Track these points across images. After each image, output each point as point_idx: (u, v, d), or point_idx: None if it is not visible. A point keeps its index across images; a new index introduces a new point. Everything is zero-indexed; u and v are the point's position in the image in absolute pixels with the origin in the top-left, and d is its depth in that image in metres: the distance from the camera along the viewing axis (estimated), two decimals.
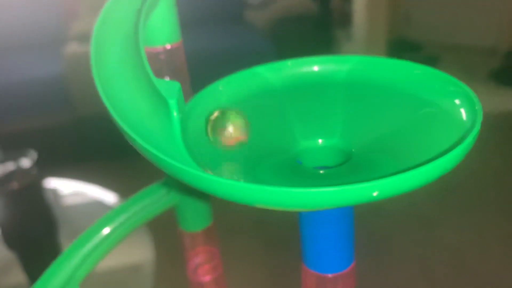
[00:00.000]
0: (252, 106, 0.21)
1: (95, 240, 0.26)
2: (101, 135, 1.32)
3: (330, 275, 0.22)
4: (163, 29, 0.25)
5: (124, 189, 0.91)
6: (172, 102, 0.18)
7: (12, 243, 0.78)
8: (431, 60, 1.64)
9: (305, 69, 0.22)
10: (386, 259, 0.99)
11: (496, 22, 1.78)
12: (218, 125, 0.18)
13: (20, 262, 0.79)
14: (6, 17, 1.52)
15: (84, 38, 1.40)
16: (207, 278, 0.33)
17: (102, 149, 1.30)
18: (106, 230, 0.27)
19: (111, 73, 0.19)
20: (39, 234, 0.79)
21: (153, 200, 0.29)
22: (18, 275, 0.78)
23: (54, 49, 1.42)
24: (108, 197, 0.92)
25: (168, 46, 0.26)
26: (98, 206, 0.92)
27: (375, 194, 0.14)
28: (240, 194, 0.15)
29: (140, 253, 0.81)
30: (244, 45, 1.43)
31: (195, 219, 0.31)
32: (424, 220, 1.11)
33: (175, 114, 0.18)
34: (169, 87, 0.19)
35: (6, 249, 0.79)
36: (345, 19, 1.74)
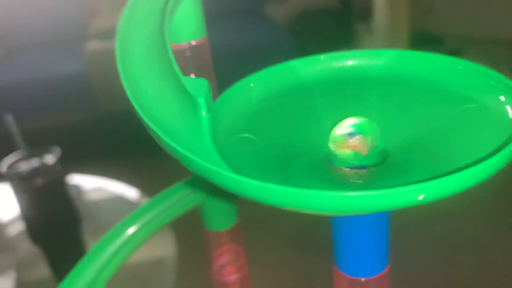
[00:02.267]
0: (284, 102, 0.20)
1: (121, 239, 0.26)
2: (122, 131, 1.33)
3: (363, 279, 0.21)
4: (188, 25, 0.25)
5: (146, 185, 0.92)
6: (201, 101, 0.17)
7: (37, 238, 0.80)
8: (453, 54, 1.60)
9: (339, 63, 0.22)
10: (408, 255, 0.97)
11: None
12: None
13: (44, 256, 0.80)
14: (28, 15, 1.54)
15: (105, 35, 1.41)
16: (232, 278, 0.32)
17: (124, 145, 1.31)
18: (131, 230, 0.26)
19: (137, 71, 0.19)
20: (63, 230, 0.81)
21: (179, 199, 0.28)
22: (43, 269, 0.80)
23: (75, 47, 1.43)
24: (130, 192, 0.92)
25: (194, 43, 0.25)
26: (120, 201, 0.92)
27: (420, 198, 0.13)
28: (270, 197, 0.15)
29: (161, 248, 0.82)
30: (264, 39, 1.42)
31: (220, 219, 0.30)
32: (447, 215, 1.08)
33: (204, 113, 0.18)
34: (198, 85, 0.18)
35: (32, 244, 0.80)
36: (366, 12, 1.71)
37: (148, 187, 0.90)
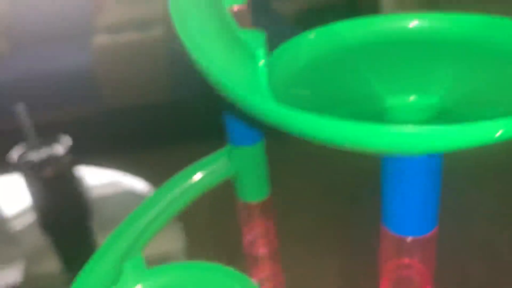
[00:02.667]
0: (342, 59, 0.21)
1: (160, 205, 0.26)
2: (129, 125, 1.33)
3: (409, 239, 0.21)
4: None
5: (154, 178, 0.92)
6: (259, 52, 0.17)
7: (46, 228, 0.79)
8: None
9: (399, 24, 0.22)
10: None
11: None
12: None
13: (53, 247, 0.80)
14: (35, 9, 1.54)
15: (112, 29, 1.41)
16: (262, 252, 0.32)
17: (132, 139, 1.31)
18: (169, 197, 0.26)
19: (192, 25, 0.19)
20: (72, 220, 0.80)
21: (214, 168, 0.28)
22: (52, 260, 0.80)
23: (83, 41, 1.43)
24: (139, 185, 0.92)
25: (235, 8, 0.25)
26: (129, 194, 0.92)
27: (498, 134, 0.13)
28: (331, 132, 0.14)
29: (170, 242, 0.81)
30: (271, 34, 1.42)
31: (253, 189, 0.30)
32: (455, 212, 1.08)
33: (261, 63, 0.18)
34: (255, 36, 0.18)
35: (41, 234, 0.80)
36: (373, 8, 1.71)
37: (157, 180, 0.90)
